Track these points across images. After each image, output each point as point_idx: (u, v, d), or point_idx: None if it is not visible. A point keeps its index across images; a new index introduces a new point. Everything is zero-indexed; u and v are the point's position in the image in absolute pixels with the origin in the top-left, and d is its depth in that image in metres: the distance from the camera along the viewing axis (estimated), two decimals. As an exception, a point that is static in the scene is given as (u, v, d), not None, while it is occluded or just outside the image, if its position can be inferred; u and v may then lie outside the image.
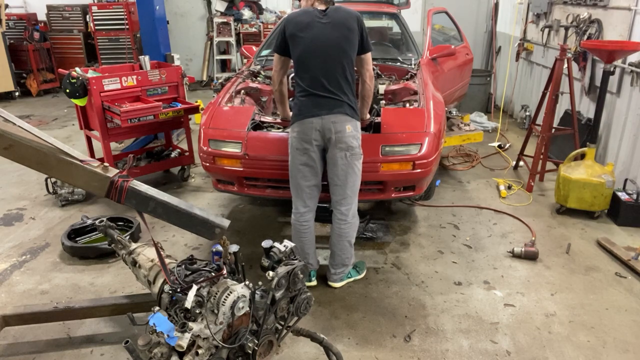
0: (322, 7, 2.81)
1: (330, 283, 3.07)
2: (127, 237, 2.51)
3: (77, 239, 3.53)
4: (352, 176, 2.85)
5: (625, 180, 3.92)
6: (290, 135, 2.87)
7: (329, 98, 2.77)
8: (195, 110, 4.60)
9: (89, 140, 4.73)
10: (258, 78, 4.19)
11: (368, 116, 3.20)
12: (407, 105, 3.59)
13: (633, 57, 4.10)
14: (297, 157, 2.83)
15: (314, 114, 2.76)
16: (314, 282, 3.08)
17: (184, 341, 1.71)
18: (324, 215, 3.90)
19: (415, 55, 4.47)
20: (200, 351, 1.78)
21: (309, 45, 2.75)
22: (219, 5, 9.03)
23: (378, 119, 3.31)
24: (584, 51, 4.71)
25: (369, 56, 2.90)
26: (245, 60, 5.34)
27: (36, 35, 8.47)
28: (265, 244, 2.02)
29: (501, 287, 3.07)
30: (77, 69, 4.19)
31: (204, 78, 9.48)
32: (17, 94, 8.35)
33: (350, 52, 2.79)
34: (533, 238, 3.57)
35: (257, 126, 3.42)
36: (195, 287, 1.77)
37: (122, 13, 8.12)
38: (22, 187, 4.66)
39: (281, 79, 2.98)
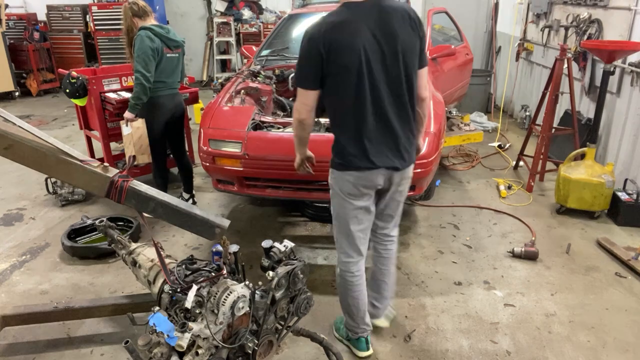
0: None
1: (381, 322, 2.64)
2: (127, 237, 2.51)
3: (77, 239, 3.53)
4: (402, 204, 2.45)
5: (625, 180, 3.92)
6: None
7: None
8: (195, 100, 4.75)
9: (89, 140, 4.73)
10: (258, 78, 4.19)
11: None
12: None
13: (633, 57, 4.10)
14: (352, 202, 2.23)
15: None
16: (370, 352, 2.45)
17: (184, 341, 1.71)
18: (324, 215, 3.92)
19: (415, 55, 4.46)
20: (200, 351, 1.78)
21: None
22: (219, 5, 9.03)
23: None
24: (584, 51, 4.71)
25: None
26: (245, 60, 5.34)
27: (36, 35, 8.49)
28: (265, 244, 2.02)
29: (501, 287, 3.07)
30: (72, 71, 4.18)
31: (204, 78, 9.48)
32: (17, 94, 8.36)
33: None
34: (533, 238, 3.57)
35: (257, 126, 3.41)
36: (195, 287, 1.77)
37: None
38: (22, 187, 4.66)
39: None
